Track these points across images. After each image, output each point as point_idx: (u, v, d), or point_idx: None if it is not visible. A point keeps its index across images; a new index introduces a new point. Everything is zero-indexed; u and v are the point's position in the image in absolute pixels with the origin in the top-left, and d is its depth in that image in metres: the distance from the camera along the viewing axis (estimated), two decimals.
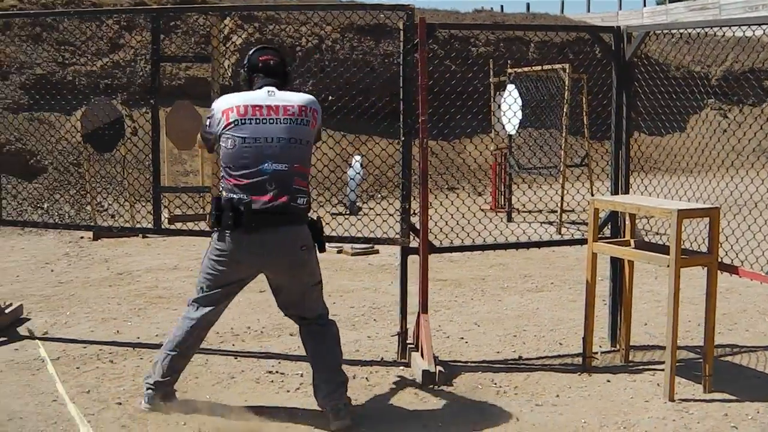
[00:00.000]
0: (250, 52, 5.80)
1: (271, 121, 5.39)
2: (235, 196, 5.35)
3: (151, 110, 7.35)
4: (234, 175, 5.37)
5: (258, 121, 5.38)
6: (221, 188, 5.54)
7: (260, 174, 5.32)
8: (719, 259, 6.17)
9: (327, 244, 5.98)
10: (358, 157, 16.04)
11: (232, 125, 5.38)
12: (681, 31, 7.43)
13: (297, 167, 5.40)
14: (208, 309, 5.66)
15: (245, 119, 5.38)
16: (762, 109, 16.92)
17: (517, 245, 7.61)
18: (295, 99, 5.52)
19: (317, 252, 5.66)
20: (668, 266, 5.95)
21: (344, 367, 6.55)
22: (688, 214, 5.99)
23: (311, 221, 5.58)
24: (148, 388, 5.74)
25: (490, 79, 16.72)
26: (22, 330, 7.85)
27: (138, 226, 12.43)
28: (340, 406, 5.52)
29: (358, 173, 16.30)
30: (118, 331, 7.87)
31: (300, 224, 5.45)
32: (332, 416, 5.51)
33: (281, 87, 5.60)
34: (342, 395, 5.57)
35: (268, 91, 5.51)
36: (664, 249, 6.26)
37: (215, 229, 5.50)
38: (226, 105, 5.47)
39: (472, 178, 17.98)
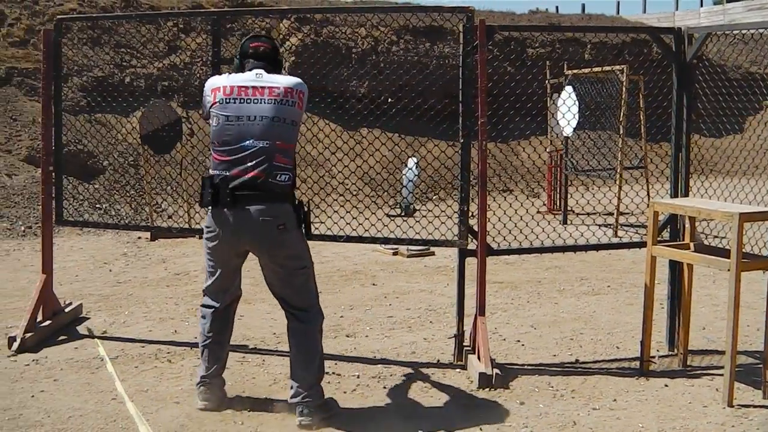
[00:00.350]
0: (243, 41, 5.93)
1: (256, 101, 5.49)
2: (216, 172, 5.48)
3: None
4: (217, 150, 5.51)
5: (242, 100, 5.50)
6: (209, 166, 5.66)
7: (241, 150, 5.43)
8: None
9: (384, 245, 5.99)
10: (413, 159, 16.05)
11: (218, 104, 5.53)
12: (743, 31, 7.34)
13: (279, 144, 5.46)
14: (219, 295, 5.83)
15: (230, 98, 5.51)
16: None
17: (576, 248, 7.56)
18: (281, 81, 5.61)
19: (302, 235, 5.68)
20: (729, 270, 5.88)
21: (399, 368, 6.61)
22: (750, 217, 5.91)
23: (297, 202, 5.62)
24: (197, 385, 5.89)
25: (548, 81, 16.64)
26: (81, 329, 7.95)
27: (196, 226, 12.53)
28: (304, 408, 5.56)
29: (417, 175, 16.32)
30: (175, 331, 7.94)
31: (279, 202, 5.48)
32: (297, 414, 5.58)
33: (270, 71, 5.68)
34: (310, 396, 5.59)
35: (256, 74, 5.62)
36: (724, 252, 6.19)
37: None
38: (215, 84, 5.63)
39: (530, 179, 17.89)
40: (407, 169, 16.25)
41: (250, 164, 5.41)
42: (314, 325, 5.72)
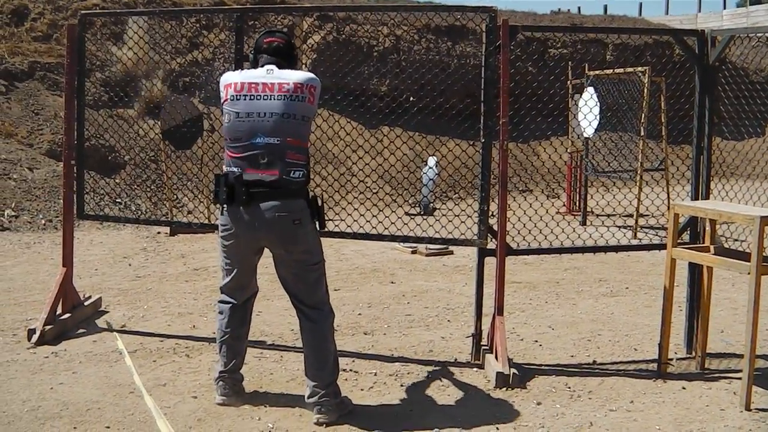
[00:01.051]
0: (258, 36, 5.92)
1: (266, 97, 5.48)
2: (230, 169, 5.50)
3: None
4: (230, 147, 5.53)
5: (253, 97, 5.50)
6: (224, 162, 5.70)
7: (253, 147, 5.44)
8: None
9: (403, 243, 5.99)
10: (433, 158, 16.05)
11: (229, 100, 5.55)
12: (766, 34, 7.32)
13: (290, 141, 5.46)
14: (236, 292, 5.87)
15: (240, 95, 5.51)
16: None
17: (595, 249, 7.55)
18: (292, 76, 5.57)
19: (316, 231, 5.69)
20: (749, 273, 5.86)
21: (416, 366, 6.61)
22: None
23: (311, 197, 5.63)
24: (216, 381, 5.92)
25: (569, 82, 16.60)
26: (100, 322, 7.99)
27: (215, 222, 12.55)
28: (321, 407, 5.59)
29: (437, 174, 16.32)
30: (194, 326, 7.97)
31: (294, 198, 5.49)
32: (315, 412, 5.61)
33: (283, 67, 5.66)
34: (327, 395, 5.61)
35: (267, 70, 5.60)
36: (744, 256, 6.17)
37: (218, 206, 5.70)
38: (227, 80, 5.64)
39: (551, 180, 17.88)
40: (427, 167, 16.27)
41: (263, 162, 5.43)
42: (326, 323, 5.72)
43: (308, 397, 5.65)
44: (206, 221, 11.68)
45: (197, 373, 6.54)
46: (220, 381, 5.90)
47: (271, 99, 5.47)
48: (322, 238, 5.83)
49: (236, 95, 5.53)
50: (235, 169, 5.48)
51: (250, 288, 5.93)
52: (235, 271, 5.77)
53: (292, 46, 5.86)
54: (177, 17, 19.00)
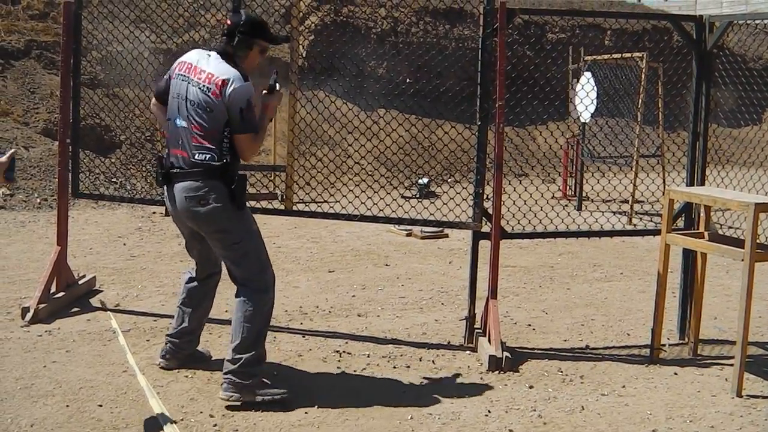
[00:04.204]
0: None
1: (190, 81, 5.56)
2: (165, 150, 5.74)
3: None
4: (166, 127, 5.77)
5: (184, 78, 5.61)
6: None
7: (175, 128, 5.61)
8: None
9: (398, 226, 5.97)
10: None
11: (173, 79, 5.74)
12: (765, 21, 7.31)
13: (194, 127, 5.50)
14: (197, 265, 6.10)
15: (177, 74, 5.68)
16: None
17: (590, 234, 7.56)
18: (211, 68, 5.54)
19: (235, 210, 5.58)
20: (742, 260, 5.87)
21: (409, 348, 6.62)
22: (765, 208, 5.89)
23: (231, 179, 5.56)
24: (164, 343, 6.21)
25: (569, 66, 16.56)
26: (94, 301, 7.98)
27: None
28: (225, 382, 5.52)
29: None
30: None
31: (204, 179, 5.51)
32: (221, 384, 5.58)
33: (227, 54, 5.62)
34: (234, 372, 5.52)
35: (208, 54, 5.66)
36: (738, 242, 6.18)
37: None
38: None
39: (547, 165, 17.86)
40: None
41: (179, 144, 5.57)
42: (250, 301, 5.61)
43: (223, 372, 5.63)
44: None
45: None
46: (165, 344, 6.18)
47: (191, 84, 5.56)
48: (318, 220, 5.85)
49: (176, 74, 5.70)
50: (165, 150, 5.70)
51: (206, 264, 6.08)
52: (186, 243, 6.06)
53: (236, 26, 5.67)
54: None
